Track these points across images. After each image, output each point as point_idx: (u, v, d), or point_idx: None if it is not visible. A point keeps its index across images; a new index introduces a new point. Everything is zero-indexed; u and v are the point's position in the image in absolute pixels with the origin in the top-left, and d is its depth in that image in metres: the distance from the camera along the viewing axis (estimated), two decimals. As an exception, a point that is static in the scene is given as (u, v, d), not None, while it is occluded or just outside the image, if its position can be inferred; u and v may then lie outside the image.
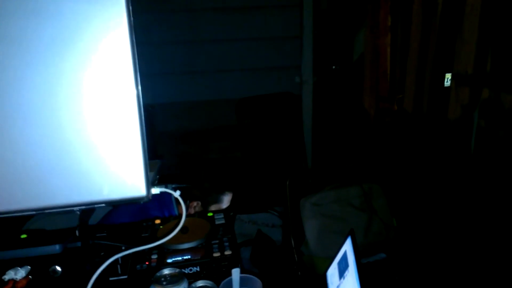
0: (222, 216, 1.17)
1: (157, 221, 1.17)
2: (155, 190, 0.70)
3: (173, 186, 0.78)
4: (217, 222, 1.14)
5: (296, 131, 3.07)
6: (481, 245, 1.91)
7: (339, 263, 1.60)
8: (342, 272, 1.54)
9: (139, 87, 0.67)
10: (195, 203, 1.64)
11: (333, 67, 3.04)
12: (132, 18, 0.65)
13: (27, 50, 0.62)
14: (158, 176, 0.89)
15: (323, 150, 3.06)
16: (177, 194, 0.74)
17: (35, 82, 0.63)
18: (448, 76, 2.29)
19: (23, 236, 0.93)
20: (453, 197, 2.17)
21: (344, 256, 1.57)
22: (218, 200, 1.66)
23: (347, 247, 1.57)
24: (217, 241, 1.05)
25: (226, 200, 1.67)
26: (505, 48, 1.88)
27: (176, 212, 1.53)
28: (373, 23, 2.69)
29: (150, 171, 0.76)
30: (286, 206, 2.50)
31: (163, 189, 0.70)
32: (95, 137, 0.66)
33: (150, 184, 0.69)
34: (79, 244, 0.90)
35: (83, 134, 0.66)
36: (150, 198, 0.68)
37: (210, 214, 1.19)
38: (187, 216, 1.44)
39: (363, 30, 2.82)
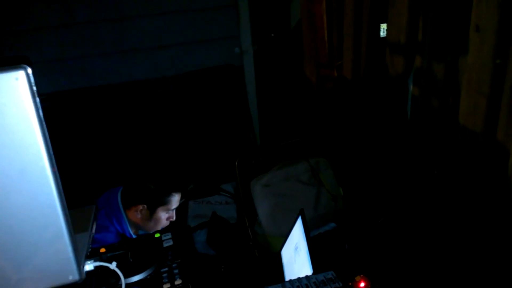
0: (169, 236, 1.16)
1: (102, 250, 1.13)
2: (89, 267, 0.67)
3: (108, 255, 0.75)
4: (165, 245, 1.13)
5: (241, 103, 3.03)
6: (422, 206, 2.04)
7: (292, 241, 1.68)
8: (295, 250, 1.62)
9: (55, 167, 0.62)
10: (140, 207, 1.61)
11: (272, 35, 2.98)
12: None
13: None
14: (94, 224, 0.86)
15: (270, 122, 3.06)
16: (113, 266, 0.72)
17: None
18: (383, 26, 2.32)
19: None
20: (393, 162, 2.27)
21: (296, 234, 1.64)
22: (165, 202, 1.63)
23: (298, 226, 1.64)
24: (166, 269, 1.04)
25: (174, 201, 1.65)
26: (435, 17, 1.91)
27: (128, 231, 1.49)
28: (307, -11, 2.63)
29: (83, 231, 0.72)
30: (237, 184, 2.52)
31: (98, 264, 0.67)
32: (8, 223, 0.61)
33: (82, 264, 0.66)
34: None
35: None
36: (84, 277, 0.66)
37: (157, 235, 1.18)
38: (133, 240, 1.41)
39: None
